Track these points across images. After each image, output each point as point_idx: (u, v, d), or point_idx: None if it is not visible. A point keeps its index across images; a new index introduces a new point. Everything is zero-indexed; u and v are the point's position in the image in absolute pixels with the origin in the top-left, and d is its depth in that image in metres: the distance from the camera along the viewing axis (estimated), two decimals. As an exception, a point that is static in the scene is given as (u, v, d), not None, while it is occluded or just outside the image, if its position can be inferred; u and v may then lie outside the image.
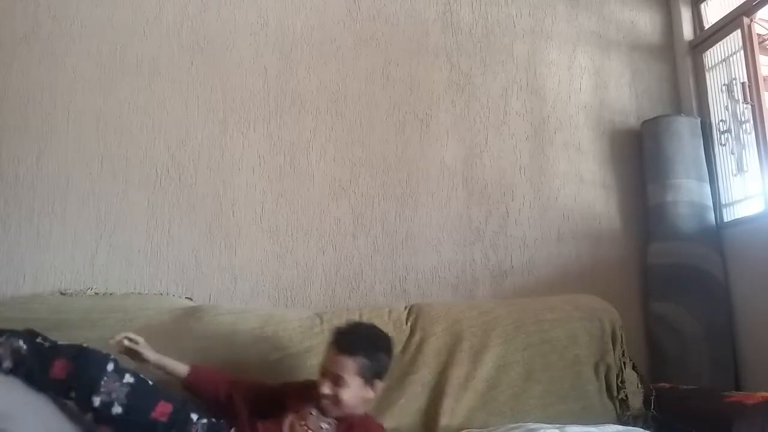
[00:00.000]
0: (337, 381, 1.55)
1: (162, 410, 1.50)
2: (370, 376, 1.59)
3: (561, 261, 2.59)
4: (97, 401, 1.43)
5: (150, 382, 1.54)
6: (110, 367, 1.48)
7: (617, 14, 2.91)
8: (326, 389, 1.55)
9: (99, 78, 2.29)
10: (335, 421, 1.58)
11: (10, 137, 2.17)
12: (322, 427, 1.57)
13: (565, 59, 2.81)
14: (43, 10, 2.28)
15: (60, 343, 1.52)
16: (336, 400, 1.55)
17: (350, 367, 1.56)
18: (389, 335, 1.74)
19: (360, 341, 1.60)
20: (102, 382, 1.45)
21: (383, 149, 2.52)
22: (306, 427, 1.56)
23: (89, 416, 1.45)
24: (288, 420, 1.59)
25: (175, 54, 2.39)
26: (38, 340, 1.50)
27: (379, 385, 1.64)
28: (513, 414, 1.89)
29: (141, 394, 1.49)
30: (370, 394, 1.62)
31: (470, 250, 2.52)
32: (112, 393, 1.45)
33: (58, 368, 1.44)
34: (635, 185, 2.74)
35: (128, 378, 1.49)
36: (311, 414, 1.58)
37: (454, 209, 2.54)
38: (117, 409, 1.45)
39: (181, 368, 1.65)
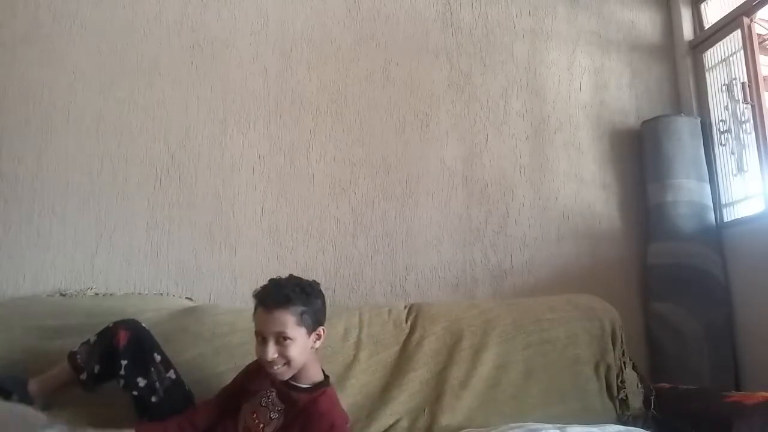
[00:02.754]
0: (280, 339, 1.44)
1: (191, 413, 1.62)
2: (311, 324, 1.48)
3: (561, 261, 2.59)
4: (142, 383, 1.59)
5: (187, 386, 1.68)
6: (158, 357, 1.63)
7: (617, 14, 2.92)
8: (271, 353, 1.43)
9: (99, 78, 2.29)
10: (283, 405, 1.49)
11: (10, 137, 2.17)
12: (271, 418, 1.49)
13: (565, 59, 2.81)
14: (43, 10, 2.28)
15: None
16: (285, 359, 1.44)
17: (288, 320, 1.44)
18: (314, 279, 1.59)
19: (287, 291, 1.47)
20: (152, 368, 1.60)
21: (383, 149, 2.52)
22: (257, 420, 1.49)
23: (121, 382, 1.60)
24: (242, 415, 1.54)
25: (175, 54, 2.39)
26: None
27: (322, 331, 1.53)
28: (513, 413, 1.89)
29: (177, 394, 1.64)
30: (318, 344, 1.52)
31: (470, 250, 2.52)
32: (156, 383, 1.60)
33: (122, 336, 1.61)
34: (635, 185, 2.74)
35: (172, 374, 1.64)
36: (261, 405, 1.51)
37: (454, 209, 2.54)
38: (154, 398, 1.59)
39: None
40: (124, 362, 1.59)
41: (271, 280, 1.53)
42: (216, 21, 2.45)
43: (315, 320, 1.51)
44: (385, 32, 2.62)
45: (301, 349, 1.46)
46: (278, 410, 1.50)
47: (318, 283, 1.58)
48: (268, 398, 1.53)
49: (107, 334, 1.64)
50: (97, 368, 1.63)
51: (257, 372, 1.58)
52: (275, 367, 1.46)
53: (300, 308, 1.46)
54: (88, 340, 1.68)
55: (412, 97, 2.59)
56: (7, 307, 1.95)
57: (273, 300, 1.46)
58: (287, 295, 1.46)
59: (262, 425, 1.49)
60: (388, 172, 2.50)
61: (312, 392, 1.51)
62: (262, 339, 1.47)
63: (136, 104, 2.31)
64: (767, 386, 1.95)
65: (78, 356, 1.66)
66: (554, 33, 2.82)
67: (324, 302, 1.57)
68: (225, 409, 1.62)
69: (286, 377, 1.49)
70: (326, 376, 1.59)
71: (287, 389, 1.51)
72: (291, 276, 1.55)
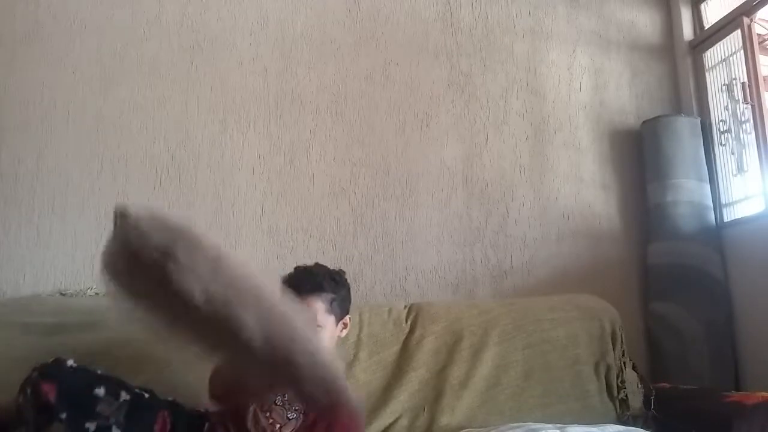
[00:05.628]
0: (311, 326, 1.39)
1: (163, 421, 1.44)
2: (339, 312, 1.50)
3: (561, 261, 2.59)
4: (93, 426, 1.31)
5: (146, 395, 1.45)
6: (101, 391, 1.34)
7: (617, 14, 2.92)
8: None
9: (99, 78, 2.29)
10: (302, 407, 1.42)
11: (10, 137, 2.17)
12: (288, 418, 1.43)
13: (565, 59, 2.81)
14: (43, 10, 2.29)
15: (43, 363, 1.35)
16: None
17: (320, 307, 1.45)
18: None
19: (319, 278, 1.48)
20: (97, 408, 1.32)
21: (383, 149, 2.52)
22: (270, 419, 1.43)
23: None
24: (251, 411, 1.44)
25: (175, 54, 2.39)
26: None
27: (348, 320, 1.55)
28: (513, 413, 1.89)
29: (140, 411, 1.40)
30: (344, 333, 1.54)
31: (470, 250, 2.52)
32: (110, 417, 1.33)
33: (48, 391, 1.27)
34: (635, 185, 2.74)
35: (124, 395, 1.38)
36: (276, 404, 1.44)
37: (454, 209, 2.54)
38: (118, 430, 1.34)
39: None
40: (63, 416, 1.28)
41: (300, 268, 1.54)
42: (216, 21, 2.46)
43: (343, 308, 1.52)
44: (385, 32, 2.62)
45: (330, 337, 1.47)
46: (296, 410, 1.44)
47: (344, 272, 1.60)
48: (283, 396, 1.46)
49: (33, 395, 1.29)
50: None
51: None
52: None
53: (330, 296, 1.48)
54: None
55: (412, 97, 2.59)
56: (7, 306, 1.95)
57: (305, 287, 1.46)
58: (320, 282, 1.47)
59: (279, 425, 1.43)
60: (388, 172, 2.50)
61: None
62: None
63: (136, 104, 2.31)
64: (767, 386, 1.95)
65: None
66: (554, 33, 2.82)
67: (349, 291, 1.59)
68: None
69: None
70: None
71: None
72: (318, 264, 1.55)
